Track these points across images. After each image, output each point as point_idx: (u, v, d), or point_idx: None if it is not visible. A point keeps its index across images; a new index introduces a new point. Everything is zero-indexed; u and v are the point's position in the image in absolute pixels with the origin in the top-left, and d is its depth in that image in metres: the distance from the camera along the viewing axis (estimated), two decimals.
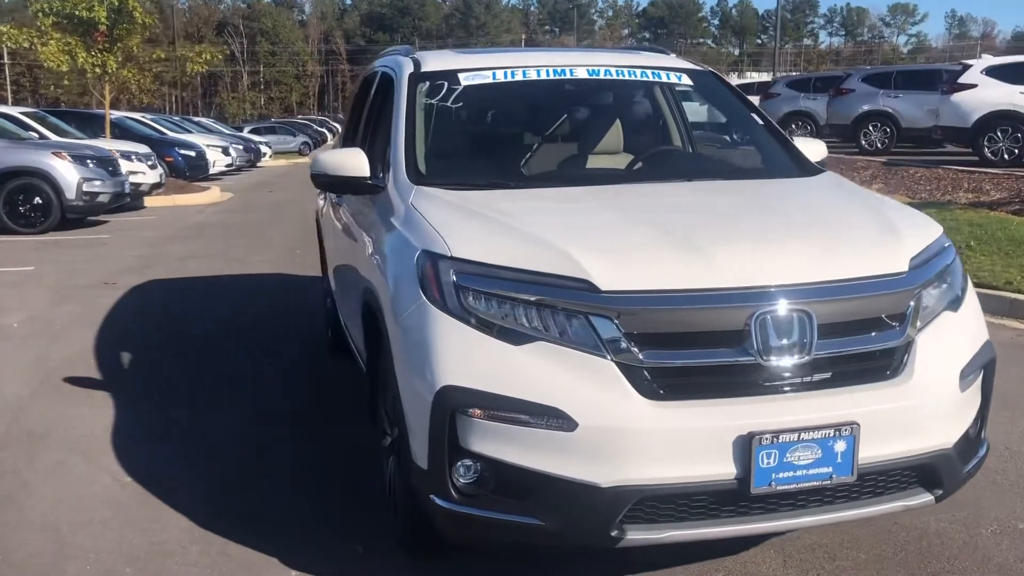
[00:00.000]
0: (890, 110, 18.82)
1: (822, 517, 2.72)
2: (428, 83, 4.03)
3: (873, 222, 3.12)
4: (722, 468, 2.57)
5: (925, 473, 2.80)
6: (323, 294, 6.34)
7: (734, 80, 34.13)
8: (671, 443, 2.56)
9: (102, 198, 13.01)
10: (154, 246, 11.32)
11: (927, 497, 2.81)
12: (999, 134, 14.80)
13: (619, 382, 2.58)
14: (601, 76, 4.17)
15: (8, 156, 12.39)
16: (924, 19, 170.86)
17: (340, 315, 4.94)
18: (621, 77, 4.21)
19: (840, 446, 2.61)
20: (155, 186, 16.22)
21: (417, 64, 4.14)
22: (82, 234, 12.55)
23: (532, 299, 2.68)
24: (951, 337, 2.88)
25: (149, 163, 15.96)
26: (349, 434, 4.52)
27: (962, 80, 15.22)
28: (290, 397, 5.20)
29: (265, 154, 31.26)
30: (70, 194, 12.49)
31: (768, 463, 2.57)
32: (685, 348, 2.63)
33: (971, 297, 3.09)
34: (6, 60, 72.22)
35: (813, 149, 4.04)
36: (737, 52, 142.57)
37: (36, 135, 14.31)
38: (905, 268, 2.85)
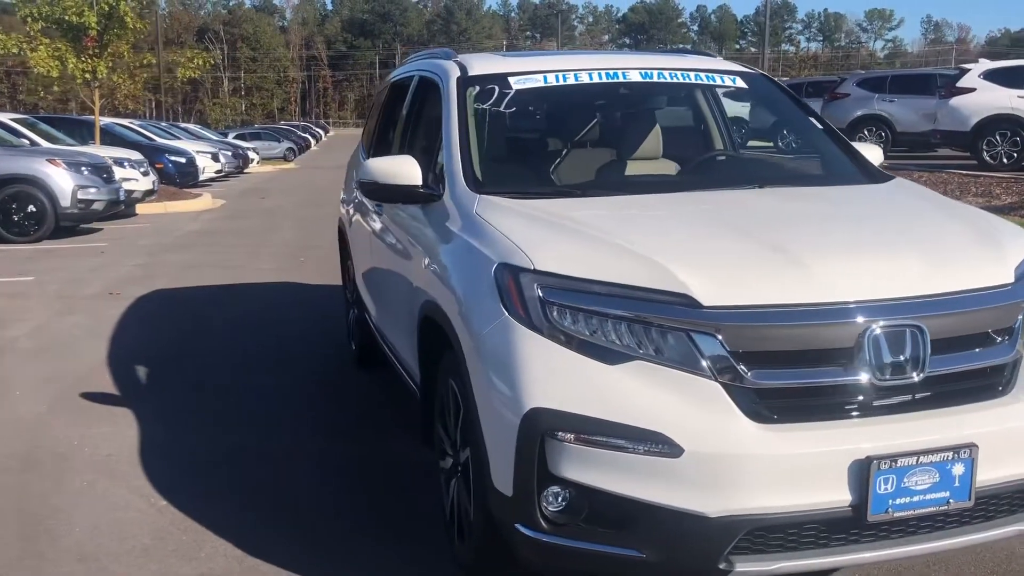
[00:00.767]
0: (885, 114, 18.83)
1: (934, 544, 2.57)
2: (478, 87, 3.86)
3: (969, 230, 2.98)
4: (837, 495, 2.42)
5: None
6: (346, 304, 6.17)
7: None
8: (783, 469, 2.40)
9: (97, 206, 12.76)
10: (153, 255, 11.08)
11: None
12: (998, 138, 14.80)
13: (726, 404, 2.43)
14: (655, 79, 4.03)
15: (1, 163, 12.11)
16: (900, 24, 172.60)
17: (377, 328, 4.76)
18: (675, 80, 4.06)
19: (958, 469, 2.46)
20: (148, 193, 15.95)
21: (464, 68, 3.98)
22: (77, 242, 12.29)
23: (627, 315, 2.52)
24: None
25: (142, 170, 15.68)
26: (395, 451, 4.35)
27: (961, 84, 15.21)
28: (324, 412, 5.01)
29: (253, 160, 30.95)
30: (65, 202, 12.23)
31: (885, 489, 2.41)
32: (793, 367, 2.48)
33: None
34: None
35: (872, 155, 3.92)
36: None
37: (27, 142, 14.02)
38: (1011, 279, 2.71)
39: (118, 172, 13.95)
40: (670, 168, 3.93)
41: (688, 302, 2.49)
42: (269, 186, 23.94)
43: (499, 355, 2.64)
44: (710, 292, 2.50)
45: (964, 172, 13.90)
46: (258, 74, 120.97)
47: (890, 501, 2.43)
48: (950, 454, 2.45)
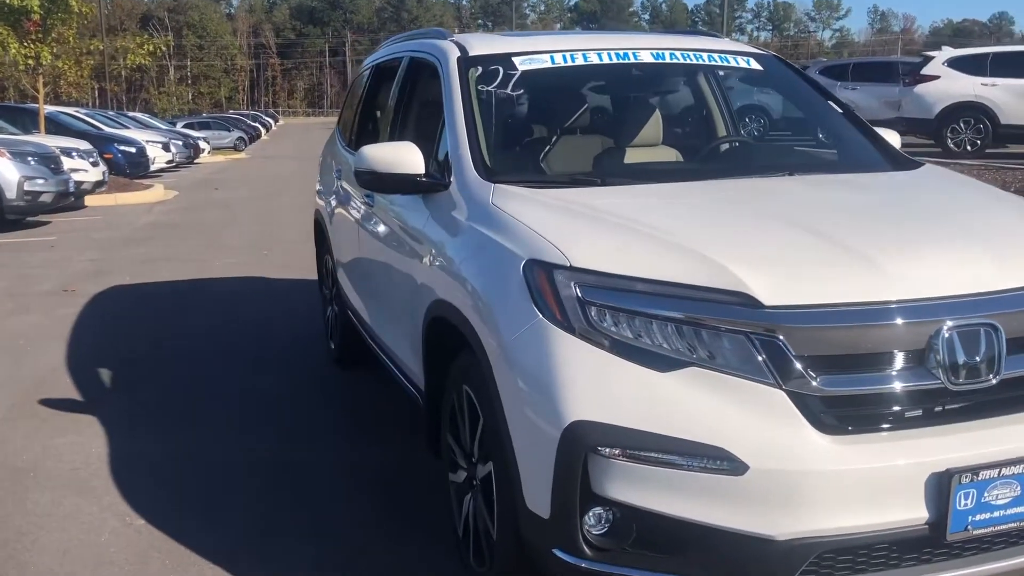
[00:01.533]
0: (848, 102, 18.82)
1: (1010, 563, 2.37)
2: (480, 68, 3.59)
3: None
4: (913, 512, 2.20)
5: None
6: (323, 301, 5.86)
7: None
8: (856, 486, 2.17)
9: (45, 198, 12.22)
10: (107, 249, 10.59)
11: None
12: (962, 125, 14.85)
13: (792, 415, 2.19)
14: (667, 60, 3.78)
15: None
16: (848, 14, 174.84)
17: (365, 327, 4.46)
18: (688, 61, 3.83)
19: None
20: (98, 184, 15.34)
21: (463, 48, 3.70)
22: (24, 236, 11.73)
23: (678, 317, 2.27)
24: None
25: (91, 160, 15.08)
26: (388, 458, 4.06)
27: (925, 71, 15.25)
28: (306, 416, 4.69)
29: (204, 150, 30.20)
30: (11, 194, 11.68)
31: (966, 504, 2.20)
32: (862, 372, 2.25)
33: None
34: None
35: (892, 140, 3.72)
36: None
37: None
38: None
39: (66, 162, 13.39)
40: (689, 154, 3.70)
41: (747, 301, 2.25)
42: (222, 177, 23.31)
43: (533, 362, 2.38)
44: (771, 290, 2.26)
45: (934, 160, 13.91)
46: (205, 62, 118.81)
47: (970, 518, 2.22)
48: None
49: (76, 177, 13.66)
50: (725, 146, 3.88)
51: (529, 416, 2.39)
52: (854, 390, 2.23)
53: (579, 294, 2.36)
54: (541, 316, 2.39)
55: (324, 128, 62.06)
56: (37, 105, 17.84)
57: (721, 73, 4.15)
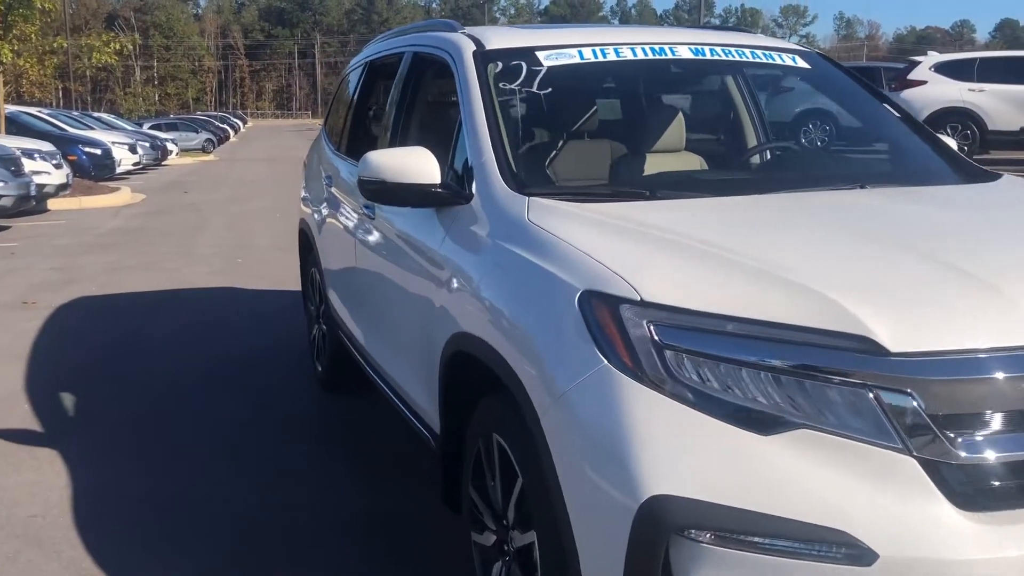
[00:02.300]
0: (829, 109, 18.60)
1: None
2: (500, 64, 3.15)
3: None
4: None
5: None
6: (309, 319, 5.38)
7: None
8: None
9: (5, 201, 11.65)
10: (71, 256, 10.01)
11: None
12: (948, 131, 14.61)
13: (927, 489, 1.77)
14: (707, 56, 3.37)
15: None
16: (814, 20, 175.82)
17: (361, 353, 3.99)
18: (731, 58, 3.41)
19: None
20: (61, 187, 14.71)
21: (479, 42, 3.26)
22: None
23: (782, 365, 1.85)
24: None
25: (54, 162, 14.45)
26: (386, 503, 3.60)
27: (911, 76, 15.02)
28: (290, 451, 4.22)
29: (172, 152, 29.45)
30: None
31: None
32: (1011, 433, 1.84)
33: None
34: None
35: (952, 146, 3.35)
36: None
37: None
38: None
39: (28, 164, 12.83)
40: (734, 163, 3.29)
41: (869, 347, 1.83)
42: (191, 179, 22.63)
43: (598, 417, 1.95)
44: (898, 333, 1.84)
45: None
46: (172, 63, 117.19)
47: None
48: None
49: (38, 180, 13.08)
50: (775, 153, 3.47)
51: (593, 483, 1.95)
52: (1004, 456, 1.82)
53: (654, 335, 1.93)
54: (606, 362, 1.96)
55: (294, 130, 61.09)
56: None
57: (765, 72, 3.76)
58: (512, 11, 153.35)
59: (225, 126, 52.48)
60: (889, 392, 1.80)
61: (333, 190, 4.49)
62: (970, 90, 14.40)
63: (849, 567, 1.73)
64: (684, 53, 3.33)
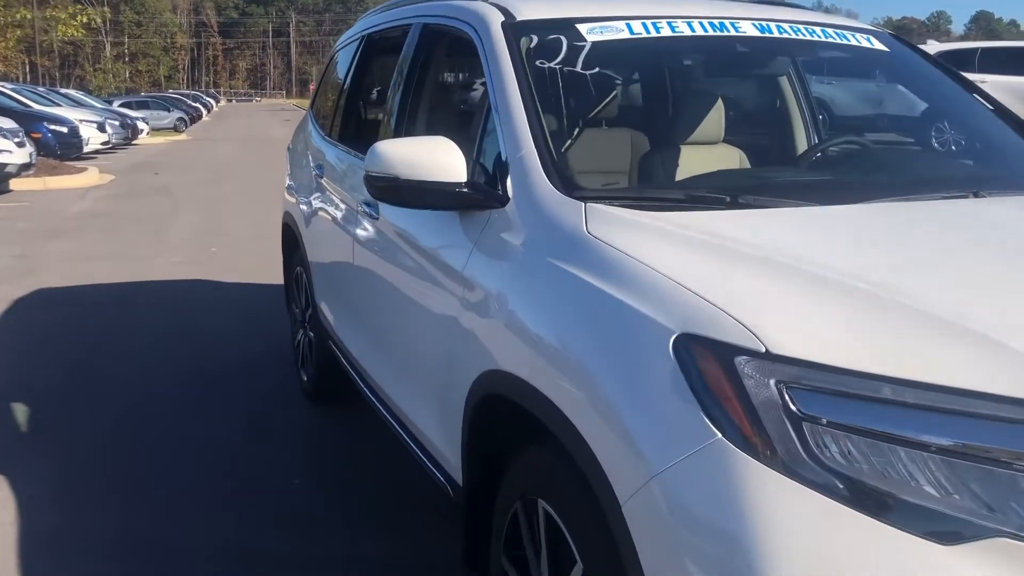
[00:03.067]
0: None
1: None
2: (535, 38, 2.64)
3: None
4: None
5: None
6: (293, 323, 4.86)
7: None
8: None
9: None
10: (33, 242, 9.37)
11: None
12: (946, 124, 14.24)
13: None
14: (775, 34, 2.87)
15: None
16: None
17: (358, 371, 3.47)
18: (802, 36, 2.92)
19: None
20: (24, 167, 13.98)
21: (508, 11, 2.73)
22: None
23: (970, 448, 1.37)
24: None
25: (16, 140, 13.72)
26: (389, 549, 3.10)
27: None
28: (274, 481, 3.69)
29: (143, 131, 28.54)
30: None
31: None
32: None
33: None
34: None
35: None
36: None
37: None
38: None
39: None
40: (801, 161, 2.81)
41: None
42: (162, 160, 21.83)
43: (709, 513, 1.46)
44: None
45: None
46: (143, 39, 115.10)
47: None
48: None
49: None
50: (867, 153, 2.96)
51: None
52: None
53: (788, 401, 1.44)
54: (720, 435, 1.46)
55: (268, 110, 60.22)
56: None
57: (838, 55, 3.28)
58: None
59: (198, 105, 51.32)
60: None
61: (324, 181, 3.96)
62: (977, 82, 14.02)
63: None
64: (749, 29, 2.83)
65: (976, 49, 14.71)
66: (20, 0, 23.36)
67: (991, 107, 2.97)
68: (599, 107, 2.75)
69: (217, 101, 76.69)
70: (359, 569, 3.01)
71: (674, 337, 1.58)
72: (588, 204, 2.06)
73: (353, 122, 3.98)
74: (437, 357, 2.49)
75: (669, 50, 2.92)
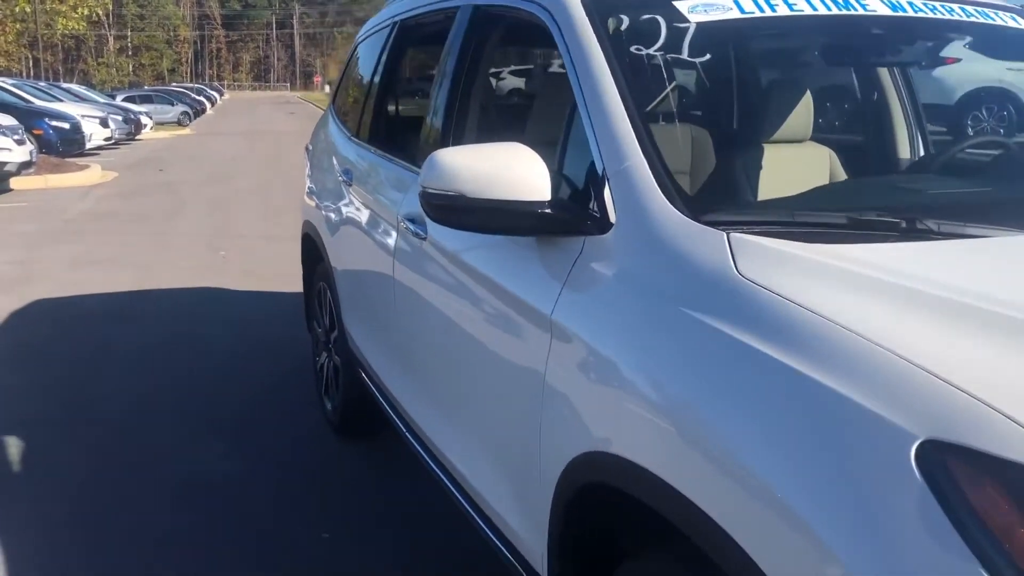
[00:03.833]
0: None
1: None
2: (626, 19, 2.13)
3: None
4: None
5: None
6: (315, 346, 4.37)
7: None
8: None
9: None
10: (31, 247, 8.88)
11: None
12: (984, 112, 13.71)
13: None
14: (910, 12, 2.37)
15: None
16: None
17: (397, 409, 2.97)
18: (939, 15, 2.42)
19: None
20: (24, 165, 13.50)
21: None
22: None
23: None
24: None
25: (16, 137, 13.24)
26: None
27: (943, 53, 14.05)
28: (300, 537, 3.21)
29: (146, 125, 28.05)
30: None
31: None
32: None
33: None
34: None
35: None
36: None
37: None
38: None
39: None
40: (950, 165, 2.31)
41: None
42: (167, 156, 21.33)
43: None
44: None
45: None
46: (146, 32, 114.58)
47: None
48: None
49: None
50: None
51: None
52: None
53: None
54: None
55: (272, 103, 59.84)
56: None
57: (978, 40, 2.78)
58: None
59: (202, 98, 50.80)
60: None
61: (353, 189, 3.46)
62: (1009, 69, 13.43)
63: None
64: (878, 8, 2.32)
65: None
66: None
67: None
68: (723, 105, 2.25)
69: (221, 94, 76.15)
70: None
71: (916, 444, 1.09)
72: (731, 234, 1.56)
73: (382, 122, 3.48)
74: (511, 421, 1.99)
75: (796, 32, 2.42)
